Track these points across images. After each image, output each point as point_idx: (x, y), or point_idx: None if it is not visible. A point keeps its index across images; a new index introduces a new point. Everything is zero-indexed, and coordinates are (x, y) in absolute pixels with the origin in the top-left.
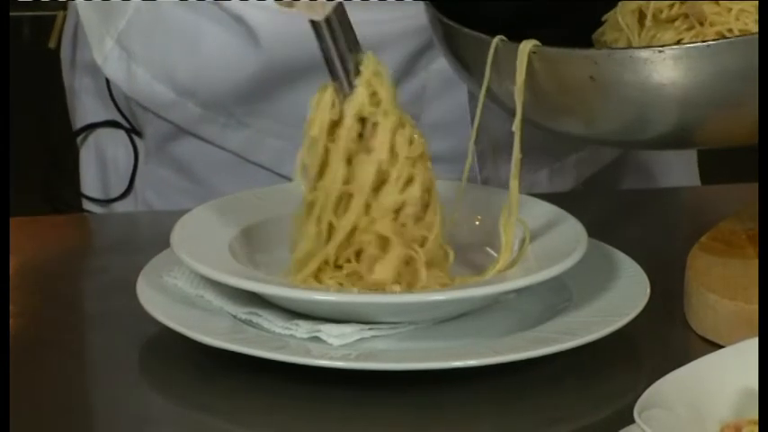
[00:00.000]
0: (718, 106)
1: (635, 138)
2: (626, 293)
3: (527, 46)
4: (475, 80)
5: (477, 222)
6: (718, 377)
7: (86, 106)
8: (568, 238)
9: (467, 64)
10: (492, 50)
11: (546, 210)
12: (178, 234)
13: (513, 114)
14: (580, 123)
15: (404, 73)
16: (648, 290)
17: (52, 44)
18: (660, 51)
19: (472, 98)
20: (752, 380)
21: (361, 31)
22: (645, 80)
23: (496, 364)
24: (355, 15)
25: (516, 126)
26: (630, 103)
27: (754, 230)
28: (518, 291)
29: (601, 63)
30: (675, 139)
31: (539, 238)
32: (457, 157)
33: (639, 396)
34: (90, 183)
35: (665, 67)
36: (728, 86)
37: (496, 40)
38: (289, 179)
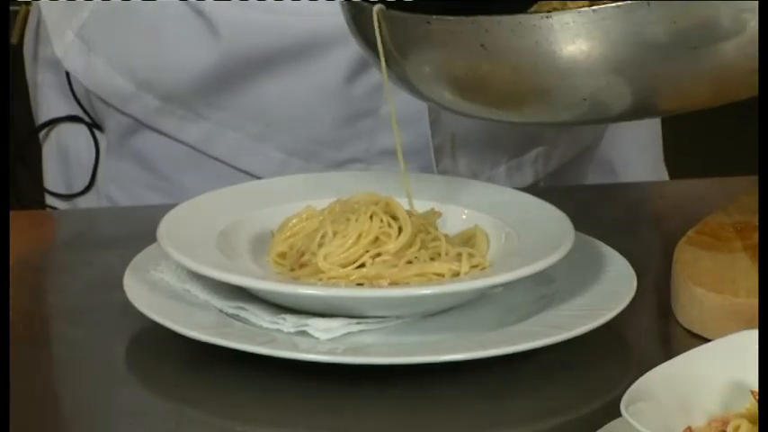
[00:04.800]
0: (609, 73)
1: (545, 114)
2: (613, 287)
3: (376, 7)
4: (374, 58)
5: (464, 216)
6: (705, 371)
7: (49, 101)
8: (555, 232)
9: (369, 43)
10: (345, 12)
11: (532, 203)
12: (165, 228)
13: (420, 97)
14: (477, 98)
15: (362, 66)
16: (635, 283)
17: (14, 39)
18: (548, 17)
19: None
20: (739, 373)
21: (320, 23)
22: (533, 47)
23: (484, 358)
24: (315, 8)
25: (387, 95)
26: (523, 72)
27: (741, 223)
28: (505, 284)
29: (491, 30)
30: (584, 112)
31: (526, 232)
32: (416, 150)
33: (626, 390)
34: (53, 178)
35: (553, 33)
36: (618, 52)
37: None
38: (246, 173)
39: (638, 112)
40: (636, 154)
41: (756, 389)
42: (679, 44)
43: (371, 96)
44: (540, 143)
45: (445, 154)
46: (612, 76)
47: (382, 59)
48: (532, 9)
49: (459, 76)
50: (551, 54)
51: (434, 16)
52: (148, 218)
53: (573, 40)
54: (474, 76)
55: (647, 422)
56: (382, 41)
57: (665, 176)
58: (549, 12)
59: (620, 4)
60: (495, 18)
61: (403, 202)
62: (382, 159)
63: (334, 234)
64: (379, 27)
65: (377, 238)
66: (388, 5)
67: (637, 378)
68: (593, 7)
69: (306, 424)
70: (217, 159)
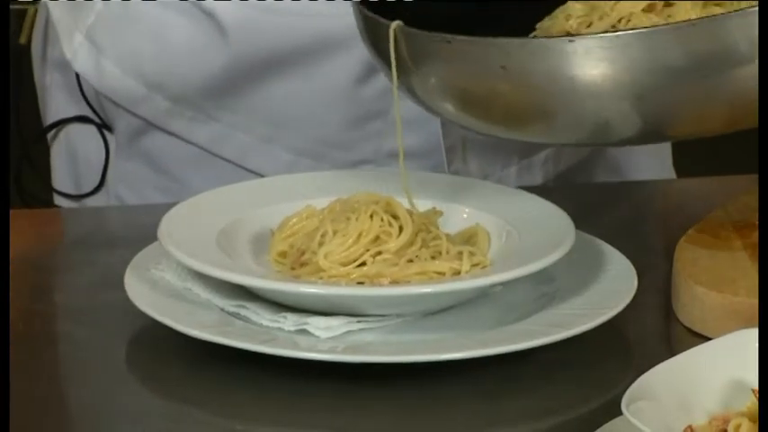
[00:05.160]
0: (629, 97)
1: (553, 135)
2: (613, 286)
3: (393, 24)
4: (383, 66)
5: (465, 215)
6: (705, 369)
7: (57, 102)
8: (556, 231)
9: (382, 54)
10: (358, 19)
11: (533, 202)
12: (165, 227)
13: (427, 109)
14: (494, 118)
15: (372, 68)
16: (636, 282)
17: (23, 40)
18: (571, 42)
19: None
20: (739, 372)
21: (330, 24)
22: (555, 70)
23: (484, 356)
24: (325, 9)
25: (396, 110)
26: (542, 94)
27: (742, 222)
28: (506, 283)
29: (512, 53)
30: (593, 135)
31: (526, 231)
32: (427, 151)
33: (627, 388)
34: (61, 178)
35: (575, 58)
36: (639, 79)
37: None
38: (255, 173)
39: (651, 136)
40: (644, 155)
41: (757, 387)
42: (699, 70)
43: (381, 98)
44: (550, 145)
45: (456, 155)
46: (632, 100)
47: (394, 75)
48: (545, 20)
49: (473, 94)
50: (572, 78)
51: (455, 36)
52: (153, 217)
53: (595, 64)
54: (491, 96)
55: (647, 421)
56: (396, 55)
57: (674, 177)
58: (568, 34)
59: (641, 29)
60: (517, 40)
61: (403, 202)
62: (392, 161)
63: (335, 233)
64: (395, 42)
65: (377, 237)
66: (368, 6)
67: (637, 377)
68: (617, 33)
69: (306, 422)
70: (226, 160)
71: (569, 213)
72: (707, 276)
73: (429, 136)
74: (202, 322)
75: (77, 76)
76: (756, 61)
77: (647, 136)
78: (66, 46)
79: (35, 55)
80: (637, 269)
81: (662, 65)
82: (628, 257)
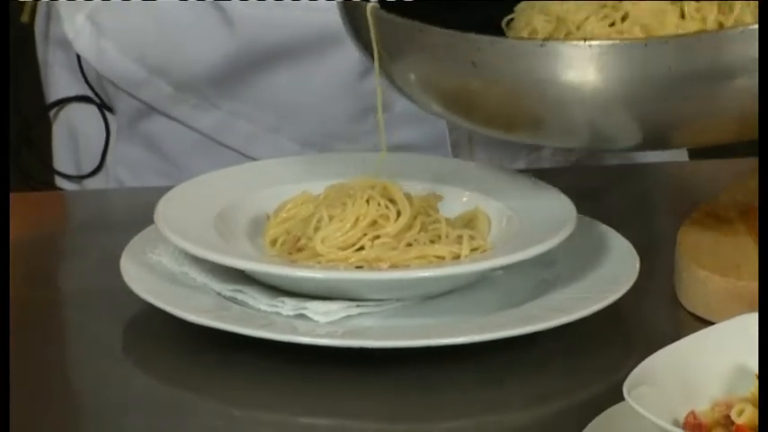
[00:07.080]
0: (599, 106)
1: (539, 138)
2: (615, 270)
3: (369, 5)
4: (369, 57)
5: (465, 199)
6: (708, 354)
7: (59, 80)
8: (557, 214)
9: (361, 38)
10: (341, 11)
11: (535, 186)
12: (162, 210)
13: (411, 101)
14: (463, 111)
15: None
16: (638, 266)
17: (25, 18)
18: (542, 45)
19: None
20: (743, 357)
21: (335, 17)
22: (524, 72)
23: (484, 341)
24: (330, 2)
25: (377, 83)
26: (509, 95)
27: (745, 206)
28: (506, 267)
29: (483, 49)
30: (580, 140)
31: (527, 214)
32: (433, 145)
33: (629, 373)
34: (62, 159)
35: (545, 62)
36: (603, 87)
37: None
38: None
39: (644, 144)
40: None
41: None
42: (674, 84)
43: (384, 91)
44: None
45: (462, 150)
46: (602, 109)
47: (377, 58)
48: (510, 17)
49: (446, 88)
50: (542, 82)
51: (428, 26)
52: (155, 200)
53: (564, 70)
54: (463, 91)
55: (649, 406)
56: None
57: (686, 159)
58: (544, 39)
59: (615, 42)
60: (488, 38)
61: (405, 185)
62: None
63: (330, 218)
64: (373, 25)
65: (375, 222)
66: (384, 5)
67: (640, 362)
68: (589, 42)
69: (304, 407)
70: (229, 148)
71: (573, 197)
72: (710, 260)
73: (434, 130)
74: (199, 307)
75: (78, 56)
76: (740, 78)
77: (642, 144)
78: (68, 26)
79: (38, 33)
80: (639, 253)
81: (634, 76)
82: (631, 241)
